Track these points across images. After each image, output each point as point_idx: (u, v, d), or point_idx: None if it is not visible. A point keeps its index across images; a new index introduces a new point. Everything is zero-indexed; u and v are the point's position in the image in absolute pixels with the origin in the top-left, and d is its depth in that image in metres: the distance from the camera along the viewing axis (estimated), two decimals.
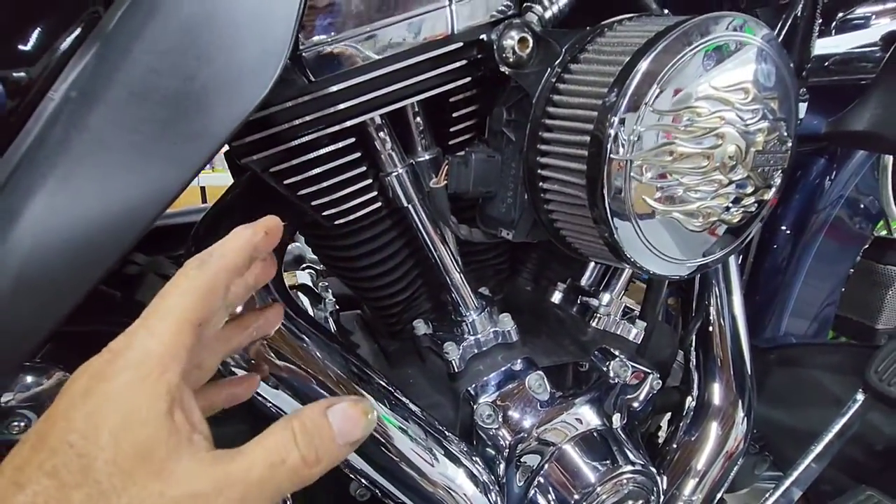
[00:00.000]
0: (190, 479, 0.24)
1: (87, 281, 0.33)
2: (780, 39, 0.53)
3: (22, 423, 0.48)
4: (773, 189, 0.42)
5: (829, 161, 0.92)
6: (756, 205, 0.42)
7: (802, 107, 0.71)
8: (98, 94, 0.33)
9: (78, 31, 0.36)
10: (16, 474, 0.23)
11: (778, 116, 0.40)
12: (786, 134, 0.40)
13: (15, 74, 0.35)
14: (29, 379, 0.50)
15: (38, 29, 0.36)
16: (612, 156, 0.37)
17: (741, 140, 0.38)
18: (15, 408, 0.49)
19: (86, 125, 0.33)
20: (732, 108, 0.37)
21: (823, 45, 0.83)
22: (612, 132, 0.36)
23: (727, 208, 0.40)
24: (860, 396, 0.61)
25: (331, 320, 0.70)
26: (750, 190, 0.40)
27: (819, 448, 0.60)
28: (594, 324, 0.61)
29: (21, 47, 0.35)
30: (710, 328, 0.70)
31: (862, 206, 0.95)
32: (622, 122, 0.36)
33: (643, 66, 0.36)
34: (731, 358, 0.68)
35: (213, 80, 0.34)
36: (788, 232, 0.93)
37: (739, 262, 0.83)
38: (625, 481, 0.52)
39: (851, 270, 1.00)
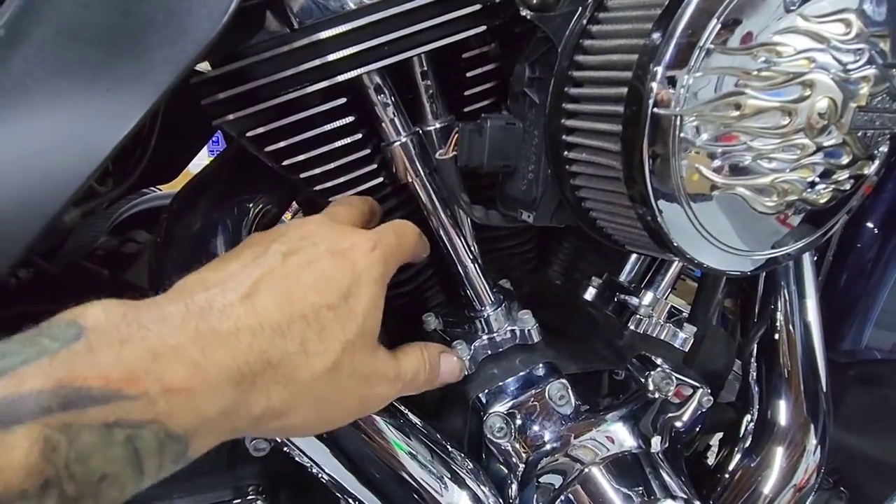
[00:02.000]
0: (384, 363, 0.34)
1: (7, 255, 0.28)
2: None
3: None
4: (876, 162, 0.32)
5: None
6: (851, 181, 0.32)
7: None
8: (25, 33, 0.28)
9: None
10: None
11: (889, 62, 0.29)
12: None
13: None
14: None
15: None
16: (655, 111, 0.28)
17: (837, 91, 0.28)
18: None
19: (6, 69, 0.27)
20: (827, 47, 0.28)
21: None
22: (655, 80, 0.28)
23: (812, 184, 0.31)
24: None
25: None
26: (845, 160, 0.30)
27: None
28: (633, 326, 0.52)
29: None
30: (777, 336, 0.59)
31: None
32: (670, 65, 0.27)
33: None
34: (802, 373, 0.57)
35: (155, 15, 0.28)
36: (876, 229, 0.80)
37: (815, 258, 0.71)
38: None
39: None
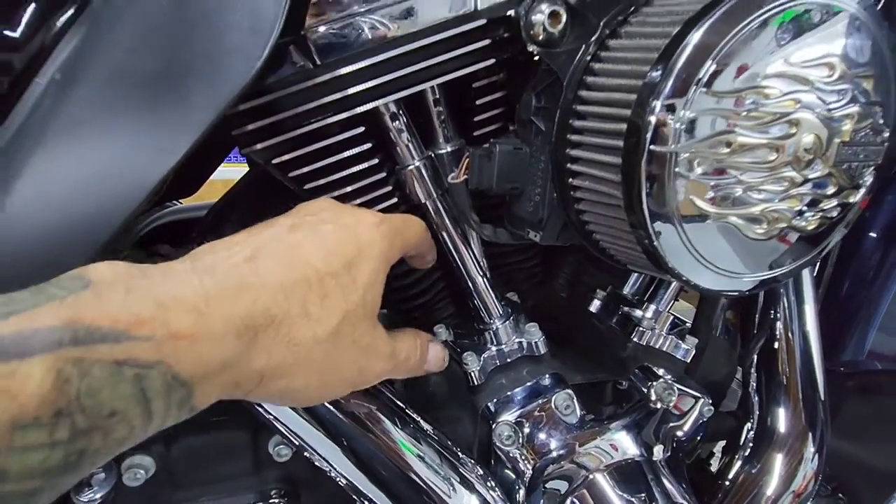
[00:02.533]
0: (382, 338, 0.35)
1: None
2: (880, 7, 0.44)
3: None
4: (862, 190, 0.34)
5: None
6: (838, 209, 0.34)
7: None
8: (78, 77, 0.31)
9: (68, 13, 0.34)
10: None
11: (872, 100, 0.32)
12: (881, 122, 0.32)
13: (4, 59, 0.34)
14: None
15: (28, 11, 0.34)
16: (652, 147, 0.30)
17: (822, 128, 0.31)
18: None
19: (63, 110, 0.30)
20: (812, 89, 0.30)
21: None
22: (653, 118, 0.30)
23: (800, 212, 0.33)
24: None
25: None
26: (831, 190, 0.33)
27: None
28: (636, 338, 0.54)
29: (8, 33, 0.34)
30: (776, 346, 0.61)
31: None
32: (667, 105, 0.30)
33: (695, 37, 0.29)
34: (801, 382, 0.59)
35: (196, 60, 0.31)
36: (877, 238, 0.81)
37: (816, 270, 0.73)
38: None
39: None
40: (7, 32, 0.32)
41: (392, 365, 0.36)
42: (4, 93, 0.33)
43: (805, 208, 0.33)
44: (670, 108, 0.30)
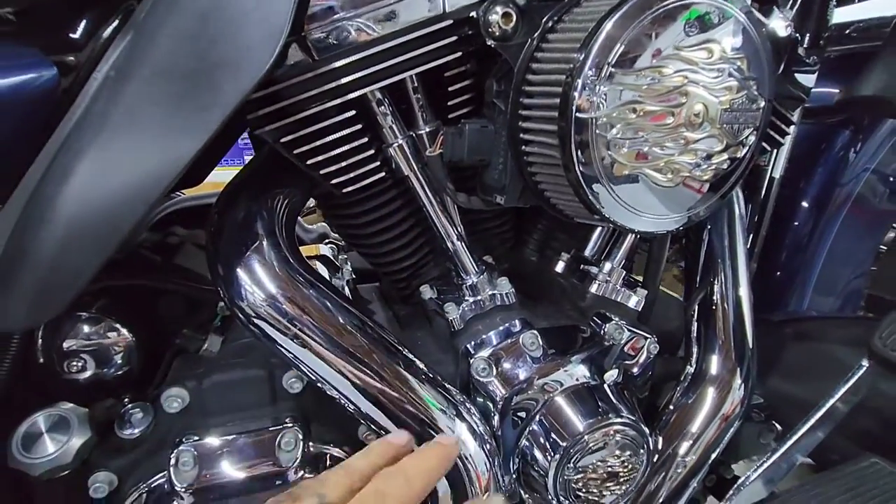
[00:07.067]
0: None
1: (119, 231, 0.39)
2: (795, 7, 0.54)
3: (79, 364, 0.57)
4: (747, 147, 0.44)
5: (853, 133, 0.89)
6: (728, 162, 0.43)
7: (812, 77, 0.70)
8: (130, 74, 0.39)
9: (116, 21, 0.43)
10: None
11: (747, 76, 0.41)
12: (756, 93, 0.42)
13: (67, 59, 0.42)
14: (86, 328, 0.58)
15: (86, 20, 0.42)
16: (578, 115, 0.40)
17: (707, 98, 0.40)
18: (76, 351, 0.57)
19: (120, 100, 0.39)
20: (697, 68, 0.39)
21: (849, 13, 0.81)
22: (576, 92, 0.39)
23: (697, 165, 0.42)
24: (865, 363, 0.61)
25: (347, 288, 0.76)
26: (719, 147, 0.42)
27: (820, 413, 0.60)
28: (593, 290, 0.64)
29: (72, 36, 0.42)
30: (714, 298, 0.71)
31: (892, 178, 0.92)
32: (587, 81, 0.39)
33: (606, 27, 0.39)
34: (732, 329, 0.69)
35: (221, 59, 0.39)
36: (809, 207, 0.92)
37: (751, 236, 0.83)
38: (613, 432, 0.54)
39: (884, 248, 0.97)
40: (72, 35, 0.41)
41: None
42: (68, 87, 0.41)
43: (700, 161, 0.42)
44: (590, 84, 0.39)
